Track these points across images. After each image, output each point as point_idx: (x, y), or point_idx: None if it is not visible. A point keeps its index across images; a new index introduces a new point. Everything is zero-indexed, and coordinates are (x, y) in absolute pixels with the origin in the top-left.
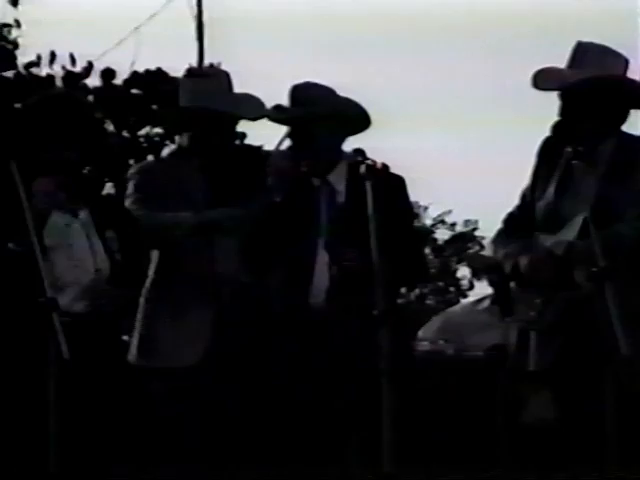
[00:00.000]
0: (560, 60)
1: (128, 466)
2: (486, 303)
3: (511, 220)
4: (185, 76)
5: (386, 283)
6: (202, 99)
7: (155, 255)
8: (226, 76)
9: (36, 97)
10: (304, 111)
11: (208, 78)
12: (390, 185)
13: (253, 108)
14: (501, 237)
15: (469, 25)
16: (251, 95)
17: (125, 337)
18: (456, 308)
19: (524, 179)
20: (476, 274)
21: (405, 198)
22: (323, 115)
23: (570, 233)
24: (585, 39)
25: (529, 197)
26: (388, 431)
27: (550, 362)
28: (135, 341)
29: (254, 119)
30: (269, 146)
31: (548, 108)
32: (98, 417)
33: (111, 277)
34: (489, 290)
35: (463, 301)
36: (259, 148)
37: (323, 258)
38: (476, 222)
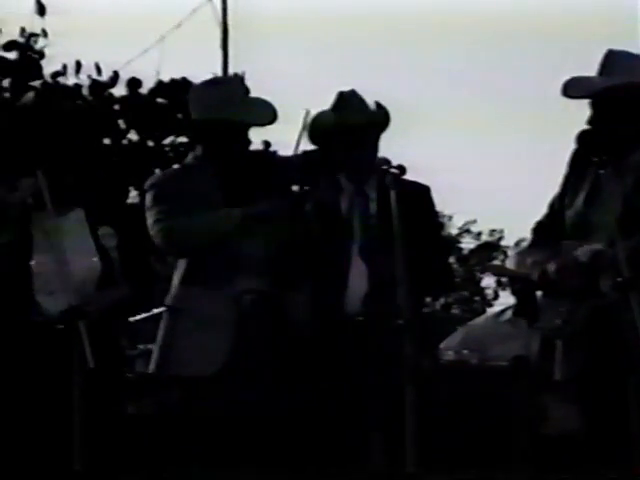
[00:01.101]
0: (560, 59)
1: (142, 473)
2: (508, 314)
3: (540, 229)
4: (193, 88)
5: (412, 292)
6: (210, 109)
7: (181, 265)
8: (239, 82)
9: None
10: (365, 118)
11: (216, 87)
12: (416, 194)
13: (264, 114)
14: (529, 246)
15: (473, 24)
16: (263, 100)
17: (146, 346)
18: (478, 320)
19: (550, 188)
20: (500, 283)
21: (431, 207)
22: (377, 122)
23: (598, 242)
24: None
25: (558, 205)
26: (411, 437)
27: (576, 372)
28: (157, 349)
29: (265, 125)
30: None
31: (578, 116)
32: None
33: (103, 276)
34: (513, 300)
35: (485, 313)
36: (274, 153)
37: (359, 266)
38: (502, 231)
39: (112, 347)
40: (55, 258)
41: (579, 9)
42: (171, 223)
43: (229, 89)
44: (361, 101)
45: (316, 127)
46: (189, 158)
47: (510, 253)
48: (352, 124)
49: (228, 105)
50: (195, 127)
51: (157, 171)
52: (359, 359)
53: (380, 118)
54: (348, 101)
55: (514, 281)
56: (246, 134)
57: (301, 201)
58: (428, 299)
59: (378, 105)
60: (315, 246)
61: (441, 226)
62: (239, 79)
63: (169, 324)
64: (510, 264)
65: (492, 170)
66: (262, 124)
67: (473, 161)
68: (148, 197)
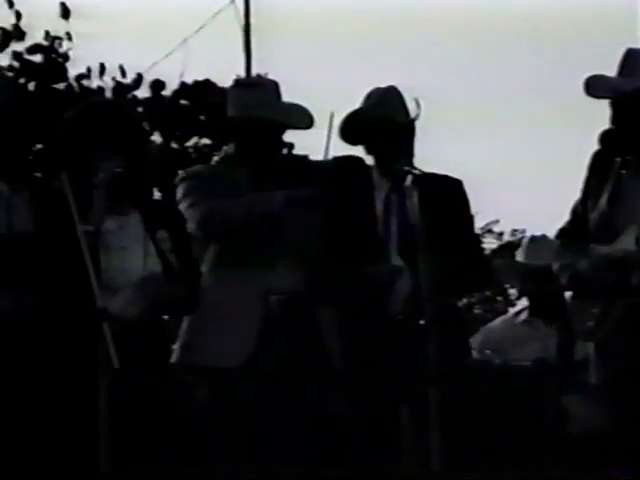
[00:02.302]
0: (560, 59)
1: (166, 467)
2: (524, 315)
3: (564, 235)
4: (233, 87)
5: (448, 290)
6: (250, 108)
7: (208, 259)
8: (275, 85)
9: (81, 105)
10: (410, 115)
11: (256, 88)
12: (447, 188)
13: (302, 118)
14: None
15: (472, 24)
16: (298, 105)
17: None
18: (495, 323)
19: (572, 188)
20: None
21: (463, 201)
22: (418, 119)
23: (625, 242)
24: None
25: (580, 211)
26: (436, 438)
27: (612, 374)
28: (181, 338)
29: (305, 128)
30: (316, 154)
31: (598, 116)
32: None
33: (164, 277)
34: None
35: (504, 315)
36: (305, 157)
37: (398, 264)
38: (523, 231)
39: (161, 347)
40: (117, 257)
41: (579, 9)
42: (209, 205)
43: (269, 91)
44: (403, 98)
45: (355, 124)
46: (222, 156)
47: (519, 252)
48: (398, 121)
49: (268, 106)
50: (232, 125)
51: (180, 172)
52: (402, 356)
53: (420, 115)
54: (391, 98)
55: (526, 279)
56: (281, 136)
57: (331, 205)
58: (461, 296)
59: (416, 102)
60: (350, 249)
61: (472, 220)
62: (276, 84)
63: (192, 316)
64: (521, 257)
65: (514, 170)
66: (301, 127)
67: (495, 161)
68: (180, 188)
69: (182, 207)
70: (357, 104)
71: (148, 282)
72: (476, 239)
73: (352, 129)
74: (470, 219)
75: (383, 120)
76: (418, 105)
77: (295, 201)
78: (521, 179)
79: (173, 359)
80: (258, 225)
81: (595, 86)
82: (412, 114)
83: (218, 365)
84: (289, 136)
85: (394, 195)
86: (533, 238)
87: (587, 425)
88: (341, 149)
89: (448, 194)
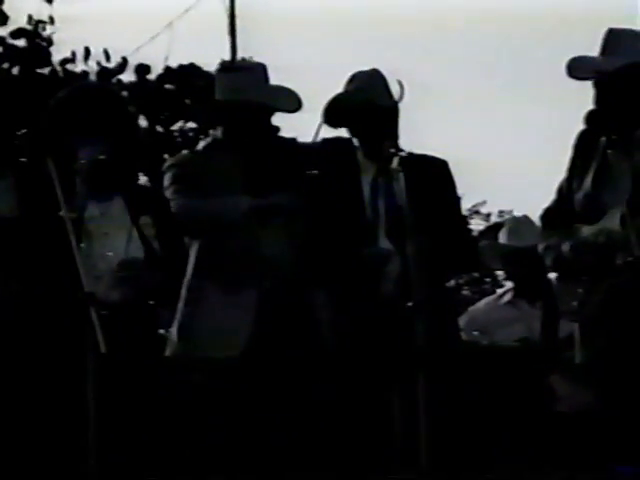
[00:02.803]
0: (559, 60)
1: (165, 462)
2: (507, 297)
3: (549, 215)
4: (220, 70)
5: (435, 271)
6: (239, 92)
7: (196, 242)
8: (262, 69)
9: (68, 89)
10: (394, 98)
11: (244, 71)
12: (433, 168)
13: (290, 101)
14: (541, 231)
15: (470, 24)
16: (286, 88)
17: (162, 331)
18: (479, 305)
19: (559, 169)
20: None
21: (450, 182)
22: (402, 101)
23: (610, 222)
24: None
25: (566, 190)
26: (425, 427)
27: (597, 354)
28: (175, 329)
29: (292, 111)
30: (302, 138)
31: (585, 99)
32: (136, 415)
33: (146, 263)
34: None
35: (485, 298)
36: (294, 139)
37: (387, 247)
38: (511, 212)
39: (149, 333)
40: (99, 243)
41: (578, 8)
42: (184, 202)
43: (257, 74)
44: (386, 81)
45: (338, 107)
46: (209, 140)
47: (501, 234)
48: (381, 104)
49: (257, 89)
50: (219, 108)
51: (166, 156)
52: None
53: (404, 97)
54: (375, 81)
55: (508, 260)
56: (269, 119)
57: (318, 188)
58: (449, 277)
59: (400, 84)
60: (338, 232)
61: (459, 201)
62: (264, 67)
63: (188, 301)
64: (503, 239)
65: (501, 151)
66: (288, 110)
67: (482, 142)
68: (167, 177)
69: (167, 195)
70: (341, 87)
71: (127, 266)
72: (463, 220)
73: (336, 112)
74: (456, 200)
75: (366, 103)
76: (401, 87)
77: (259, 209)
78: (508, 160)
79: (168, 352)
80: (222, 229)
81: (577, 67)
82: (396, 96)
83: (217, 355)
84: (275, 119)
85: (381, 177)
86: (514, 219)
87: (572, 404)
88: (331, 132)
89: (434, 175)
